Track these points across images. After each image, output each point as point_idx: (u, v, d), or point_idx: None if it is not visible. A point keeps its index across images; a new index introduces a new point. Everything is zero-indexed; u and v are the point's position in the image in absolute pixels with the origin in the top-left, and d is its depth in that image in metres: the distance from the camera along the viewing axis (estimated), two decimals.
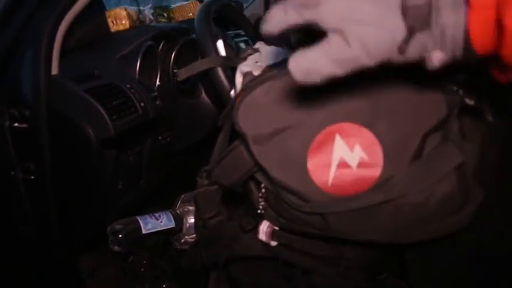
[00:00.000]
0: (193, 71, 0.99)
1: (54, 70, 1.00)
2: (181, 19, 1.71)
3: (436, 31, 0.41)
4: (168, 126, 1.23)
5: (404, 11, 0.41)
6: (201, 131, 1.23)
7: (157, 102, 1.15)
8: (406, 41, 0.42)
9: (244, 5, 1.97)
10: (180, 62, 1.33)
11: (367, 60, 0.43)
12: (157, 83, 1.21)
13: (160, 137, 1.22)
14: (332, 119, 0.69)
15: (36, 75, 0.97)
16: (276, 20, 0.46)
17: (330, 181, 0.69)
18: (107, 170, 1.08)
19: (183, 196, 1.09)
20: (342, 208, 0.70)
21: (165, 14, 1.68)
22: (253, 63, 0.92)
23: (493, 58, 0.41)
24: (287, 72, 0.69)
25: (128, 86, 1.08)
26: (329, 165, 0.69)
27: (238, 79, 0.88)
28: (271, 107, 0.72)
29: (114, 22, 1.23)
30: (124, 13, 1.22)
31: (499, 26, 0.37)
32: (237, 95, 0.78)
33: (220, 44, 1.08)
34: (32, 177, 1.03)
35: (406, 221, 0.70)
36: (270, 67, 0.85)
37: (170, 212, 1.04)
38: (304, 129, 0.70)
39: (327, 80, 0.46)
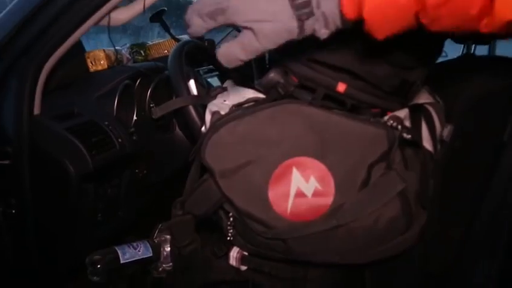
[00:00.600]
0: (167, 109, 1.07)
1: (37, 110, 1.07)
2: (157, 56, 1.80)
3: (319, 17, 0.57)
4: (145, 159, 1.30)
5: (294, 5, 0.55)
6: (176, 164, 1.31)
7: (134, 138, 1.23)
8: (299, 27, 0.57)
9: (216, 42, 2.09)
10: (155, 98, 1.41)
11: (272, 45, 0.59)
12: (134, 118, 1.29)
13: (137, 170, 1.29)
14: (289, 154, 0.78)
15: (19, 115, 1.04)
16: (197, 26, 0.60)
17: (289, 209, 0.78)
18: (86, 202, 1.14)
19: (160, 225, 1.15)
20: (301, 233, 0.78)
21: (142, 52, 1.77)
22: (221, 102, 1.01)
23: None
24: (249, 113, 0.78)
25: (106, 123, 1.16)
26: (288, 195, 0.78)
27: (208, 117, 0.96)
28: (235, 144, 0.81)
29: (93, 63, 1.31)
30: (102, 54, 1.31)
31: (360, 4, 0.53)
32: (205, 133, 0.87)
33: (191, 83, 1.16)
34: (13, 211, 1.08)
35: (357, 243, 0.79)
36: (235, 106, 0.94)
37: (148, 242, 1.10)
38: (265, 164, 0.79)
39: (243, 63, 0.61)
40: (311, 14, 0.56)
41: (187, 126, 1.11)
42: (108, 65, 1.33)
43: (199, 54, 1.41)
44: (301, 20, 0.56)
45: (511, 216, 0.78)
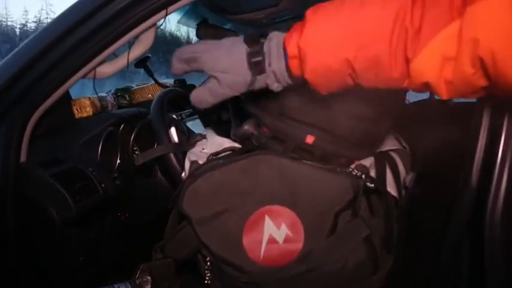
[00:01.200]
0: (148, 156, 1.13)
1: (23, 157, 1.12)
2: (141, 100, 1.87)
3: (270, 74, 0.68)
4: (127, 203, 1.35)
5: (250, 63, 0.67)
6: (158, 207, 1.35)
7: (117, 182, 1.27)
8: (253, 80, 0.68)
9: None
10: (139, 142, 1.47)
11: (233, 93, 0.71)
12: (118, 162, 1.34)
13: (119, 213, 1.32)
14: (262, 202, 0.84)
15: (5, 162, 1.08)
16: (176, 68, 0.73)
17: (262, 255, 0.83)
18: (69, 246, 1.17)
19: (141, 266, 1.18)
20: (273, 278, 0.83)
21: (126, 96, 1.84)
22: (200, 150, 1.07)
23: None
24: (224, 164, 0.84)
25: (90, 169, 1.20)
26: (261, 242, 0.83)
27: (187, 165, 1.02)
28: (211, 193, 0.86)
29: (79, 110, 1.37)
30: (88, 102, 1.37)
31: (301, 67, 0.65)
32: (183, 182, 0.92)
33: (172, 131, 1.23)
34: None
35: (327, 287, 0.84)
36: (212, 155, 1.00)
37: (129, 283, 1.13)
38: (239, 212, 0.84)
39: (211, 106, 0.73)
40: (263, 71, 0.68)
41: (168, 172, 1.17)
42: (93, 112, 1.38)
43: (181, 101, 1.48)
44: (254, 75, 0.68)
45: (470, 256, 0.84)
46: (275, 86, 0.70)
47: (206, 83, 0.72)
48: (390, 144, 1.01)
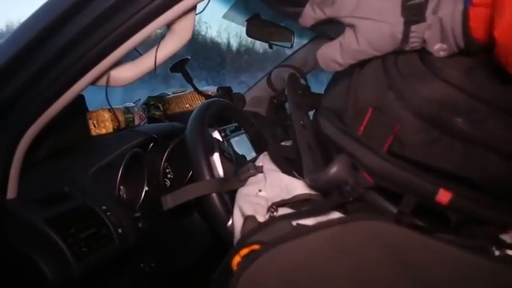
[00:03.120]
0: (182, 199, 0.79)
1: (11, 192, 0.81)
2: (177, 110, 1.56)
3: (433, 24, 0.47)
4: (152, 250, 1.02)
5: (404, 6, 0.48)
6: (192, 256, 1.01)
7: (140, 225, 0.95)
8: (405, 32, 0.49)
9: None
10: (173, 163, 1.15)
11: (372, 51, 0.53)
12: (142, 197, 1.02)
13: (142, 264, 1.00)
14: None
15: None
16: (308, 16, 0.57)
17: None
18: None
19: None
20: None
21: (160, 106, 1.53)
22: (256, 193, 0.73)
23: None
24: (301, 233, 0.50)
25: (104, 207, 0.89)
26: None
27: (238, 219, 0.68)
28: (281, 283, 0.51)
29: (96, 125, 1.06)
30: (107, 115, 1.06)
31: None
32: (237, 267, 0.58)
33: (216, 159, 0.90)
34: None
35: None
36: (276, 206, 0.66)
37: None
38: None
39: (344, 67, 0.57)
40: (422, 19, 0.48)
41: (209, 218, 0.83)
42: (113, 128, 1.07)
43: (226, 114, 1.15)
44: (408, 24, 0.49)
45: None
46: (436, 48, 0.49)
47: (339, 37, 0.55)
48: None
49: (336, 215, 0.63)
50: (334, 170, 0.57)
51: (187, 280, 1.07)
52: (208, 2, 0.73)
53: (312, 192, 0.66)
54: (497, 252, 0.51)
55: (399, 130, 0.54)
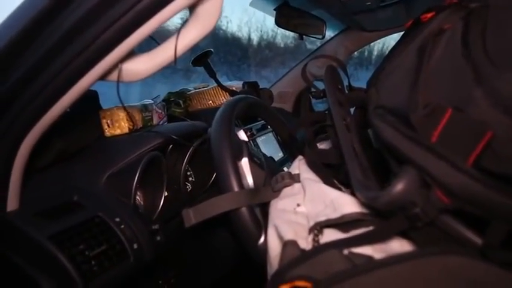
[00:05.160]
0: (205, 215, 0.68)
1: (12, 204, 0.71)
2: (199, 107, 1.44)
3: None
4: (172, 265, 0.91)
5: None
6: (216, 272, 0.90)
7: (158, 238, 0.84)
8: None
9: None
10: (194, 166, 1.03)
11: None
12: (161, 205, 0.90)
13: (161, 281, 0.89)
14: None
15: None
16: None
17: None
18: None
19: None
20: None
21: (181, 102, 1.41)
22: (293, 208, 0.61)
23: None
24: (359, 271, 0.38)
25: (118, 219, 0.78)
26: None
27: (273, 241, 0.57)
28: None
29: (110, 125, 0.95)
30: (122, 114, 0.95)
31: None
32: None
33: (245, 165, 0.78)
34: None
35: None
36: (320, 227, 0.54)
37: None
38: None
39: None
40: None
41: (237, 234, 0.71)
42: (129, 128, 0.96)
43: (255, 112, 1.03)
44: None
45: None
46: None
47: None
48: None
49: (397, 243, 0.51)
50: (400, 187, 0.44)
51: None
52: None
53: (365, 210, 0.54)
54: None
55: (491, 138, 0.41)
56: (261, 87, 1.58)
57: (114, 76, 0.62)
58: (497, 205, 0.41)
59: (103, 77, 0.61)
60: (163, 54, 0.64)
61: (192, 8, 0.60)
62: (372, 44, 1.91)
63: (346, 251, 0.47)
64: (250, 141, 1.20)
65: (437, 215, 0.44)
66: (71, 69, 0.57)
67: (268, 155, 1.21)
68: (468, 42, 0.46)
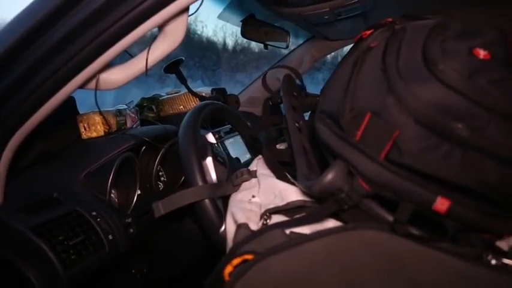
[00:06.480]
0: (172, 206, 0.77)
1: None
2: (171, 112, 1.53)
3: None
4: (144, 256, 0.99)
5: None
6: (185, 260, 0.99)
7: (131, 230, 0.92)
8: None
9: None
10: (166, 166, 1.12)
11: None
12: (134, 201, 0.99)
13: (134, 270, 0.98)
14: None
15: None
16: None
17: None
18: None
19: None
20: None
21: (154, 107, 1.50)
22: (249, 199, 0.71)
23: None
24: (296, 242, 0.47)
25: (94, 213, 0.86)
26: None
27: (230, 227, 0.66)
28: None
29: (87, 128, 1.03)
30: (98, 118, 1.03)
31: None
32: (226, 265, 0.56)
33: (209, 163, 0.87)
34: None
35: None
36: (269, 213, 0.64)
37: None
38: None
39: None
40: None
41: (201, 224, 0.81)
42: (105, 131, 1.05)
43: (220, 116, 1.13)
44: None
45: None
46: None
47: None
48: None
49: (330, 222, 0.61)
50: (329, 177, 0.55)
51: (179, 286, 1.04)
52: (201, 4, 0.71)
53: (307, 198, 0.64)
54: (493, 261, 0.49)
55: (398, 136, 0.52)
56: (231, 91, 1.68)
57: (92, 85, 0.71)
58: (403, 189, 0.52)
59: (83, 85, 0.70)
60: (136, 66, 0.74)
61: (161, 27, 0.70)
62: (344, 48, 2.01)
63: (287, 231, 0.58)
64: (219, 143, 1.29)
65: (360, 199, 0.55)
66: (55, 78, 0.66)
67: (236, 156, 1.31)
68: (385, 59, 0.57)
